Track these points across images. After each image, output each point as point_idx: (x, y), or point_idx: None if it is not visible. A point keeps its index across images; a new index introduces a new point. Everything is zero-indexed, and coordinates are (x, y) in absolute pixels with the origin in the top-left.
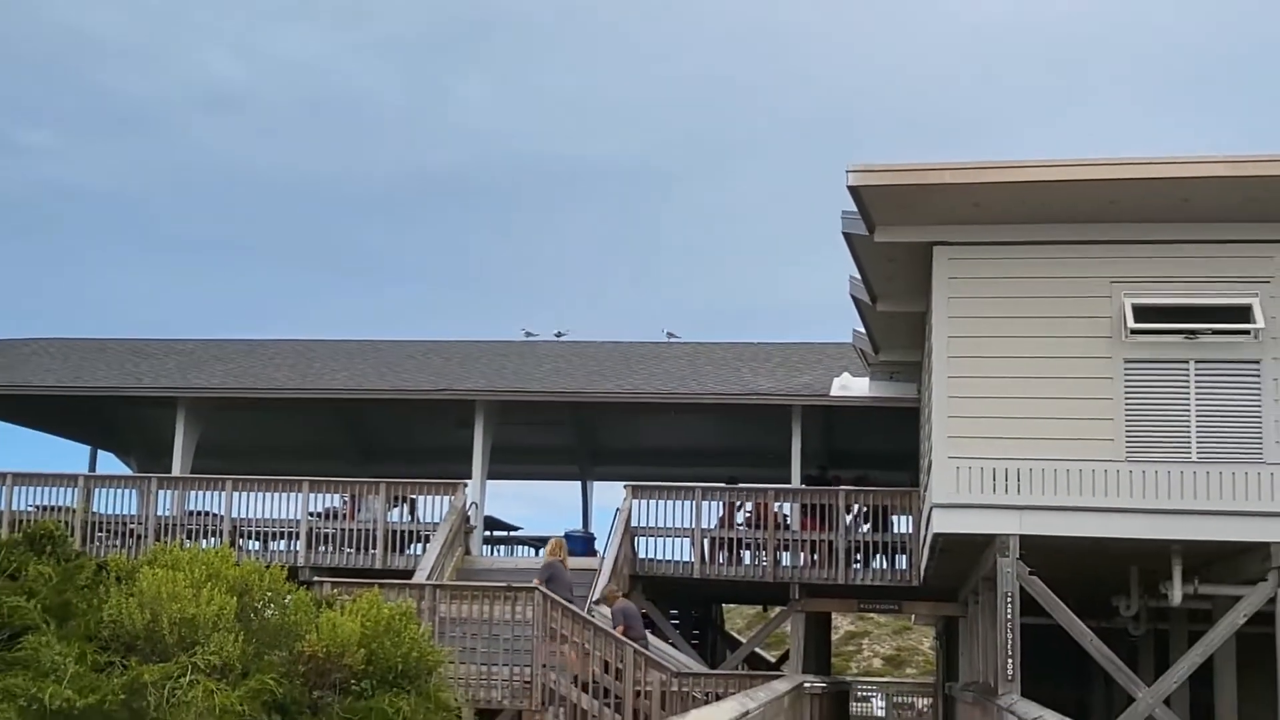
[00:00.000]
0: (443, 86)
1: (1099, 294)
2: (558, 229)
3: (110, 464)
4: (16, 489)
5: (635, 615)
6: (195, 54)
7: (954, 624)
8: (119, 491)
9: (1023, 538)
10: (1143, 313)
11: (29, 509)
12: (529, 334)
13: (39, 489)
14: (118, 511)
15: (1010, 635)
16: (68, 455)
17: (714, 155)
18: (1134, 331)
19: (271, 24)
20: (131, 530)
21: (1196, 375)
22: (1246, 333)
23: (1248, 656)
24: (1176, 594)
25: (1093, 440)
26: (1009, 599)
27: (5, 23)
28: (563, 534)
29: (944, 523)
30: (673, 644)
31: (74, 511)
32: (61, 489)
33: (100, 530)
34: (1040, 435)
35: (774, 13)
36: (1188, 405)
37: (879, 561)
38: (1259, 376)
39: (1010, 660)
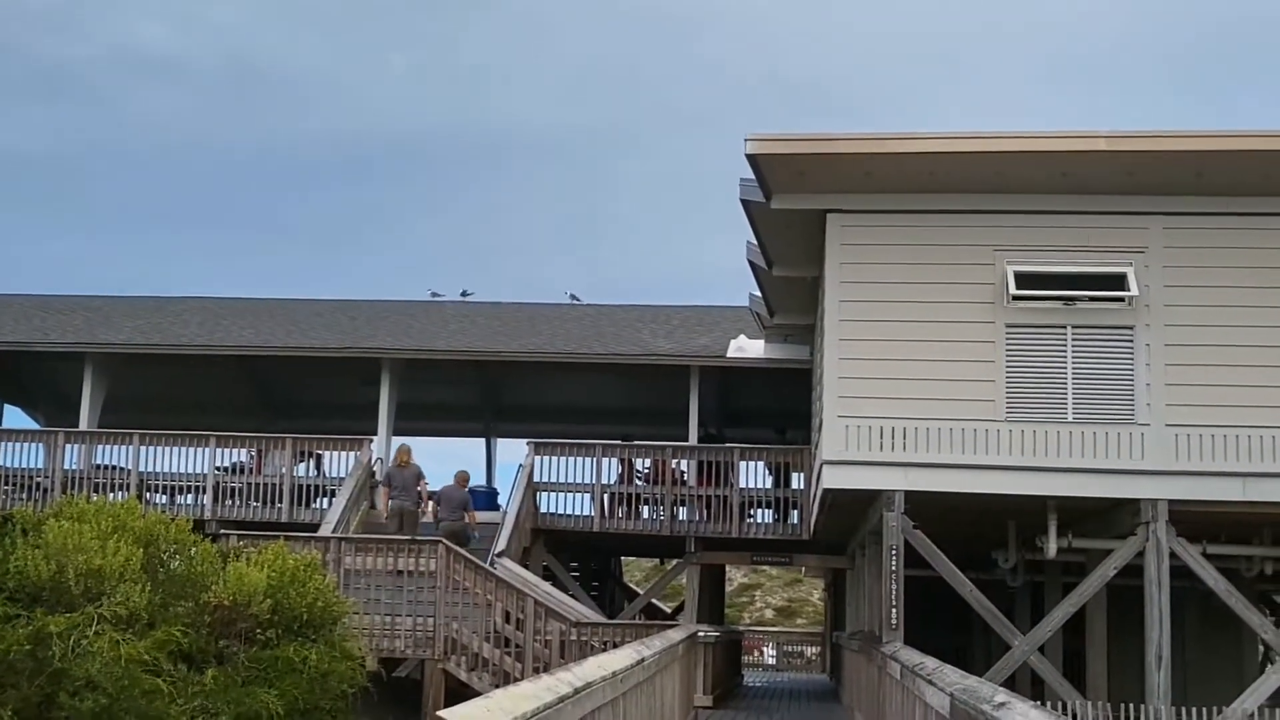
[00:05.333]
0: (365, 56)
1: (983, 261)
2: (468, 195)
3: (17, 418)
4: None
5: (452, 500)
6: (122, 18)
7: (842, 576)
8: (25, 445)
9: (907, 493)
10: (1024, 279)
11: None
12: (435, 294)
13: None
14: (24, 465)
15: (894, 586)
16: None
17: (625, 129)
18: (1015, 297)
19: None
20: (38, 484)
21: (1073, 340)
22: (1121, 300)
23: (1117, 607)
24: (1052, 547)
25: (975, 401)
26: (893, 552)
27: None
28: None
29: (833, 479)
30: (573, 595)
31: None
32: None
33: (6, 483)
34: (925, 396)
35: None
36: (1065, 368)
37: (771, 516)
38: (1132, 342)
39: (894, 610)
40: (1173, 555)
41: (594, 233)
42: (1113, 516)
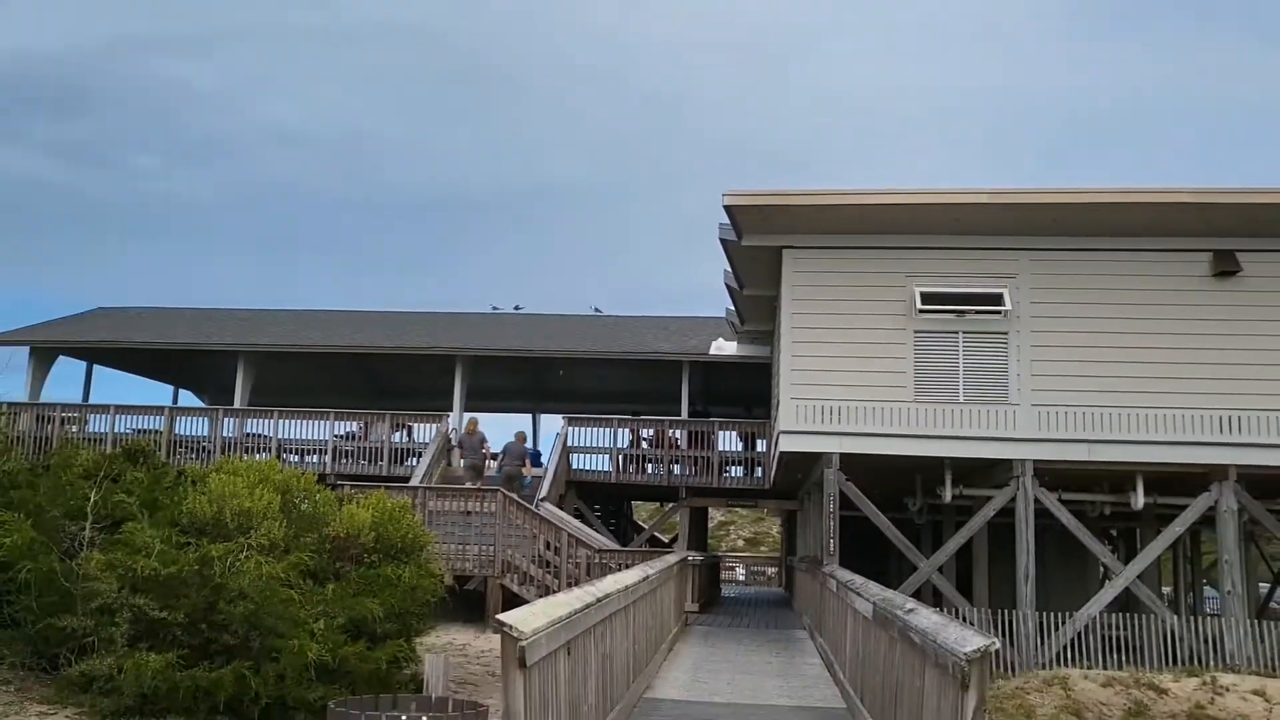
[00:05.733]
0: (438, 129)
1: (898, 284)
2: (516, 232)
3: (188, 399)
4: (119, 417)
5: (513, 452)
6: (261, 101)
7: (793, 516)
8: (194, 419)
9: (841, 455)
10: (928, 298)
11: (128, 432)
12: (495, 308)
13: (135, 417)
14: (193, 434)
15: (832, 523)
16: (156, 392)
17: (633, 182)
18: (921, 311)
19: (318, 80)
20: (204, 447)
21: (964, 342)
22: (999, 313)
23: (995, 540)
24: (948, 495)
25: (891, 387)
26: (831, 498)
27: (118, 76)
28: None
29: (787, 444)
30: (596, 530)
31: (161, 433)
32: (152, 417)
33: (180, 447)
34: (855, 384)
35: (686, 84)
36: (957, 362)
37: (742, 471)
38: (1007, 344)
39: (832, 541)
40: (1036, 500)
41: (610, 260)
42: (993, 472)
